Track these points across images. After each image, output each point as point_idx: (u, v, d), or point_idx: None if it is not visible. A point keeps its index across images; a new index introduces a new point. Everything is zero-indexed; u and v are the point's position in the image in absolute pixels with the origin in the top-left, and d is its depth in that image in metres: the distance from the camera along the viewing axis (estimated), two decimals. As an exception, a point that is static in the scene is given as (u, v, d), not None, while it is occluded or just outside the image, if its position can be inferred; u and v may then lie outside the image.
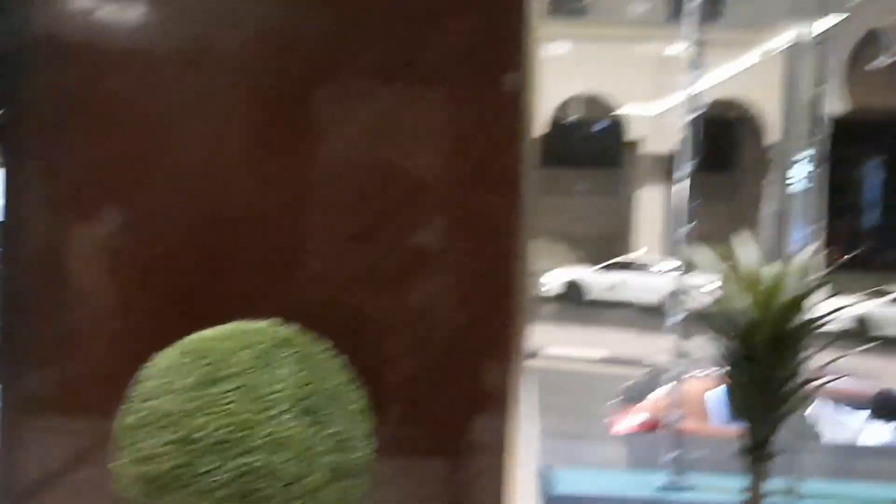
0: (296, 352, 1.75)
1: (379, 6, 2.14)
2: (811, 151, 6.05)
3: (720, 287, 2.15)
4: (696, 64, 4.77)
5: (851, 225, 30.19)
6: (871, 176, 30.04)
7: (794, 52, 5.16)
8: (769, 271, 2.01)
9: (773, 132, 23.53)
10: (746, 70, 21.24)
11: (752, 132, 26.14)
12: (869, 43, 18.51)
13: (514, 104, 2.16)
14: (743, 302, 1.97)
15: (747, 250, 2.10)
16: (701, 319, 2.26)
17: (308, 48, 2.15)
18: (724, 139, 30.07)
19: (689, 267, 4.21)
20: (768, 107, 22.99)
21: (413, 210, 2.17)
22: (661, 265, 21.17)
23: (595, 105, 26.80)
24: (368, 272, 2.18)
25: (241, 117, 2.17)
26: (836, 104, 25.09)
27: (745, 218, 27.65)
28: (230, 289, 2.13)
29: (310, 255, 2.18)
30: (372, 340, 2.16)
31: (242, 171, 2.18)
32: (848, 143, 27.70)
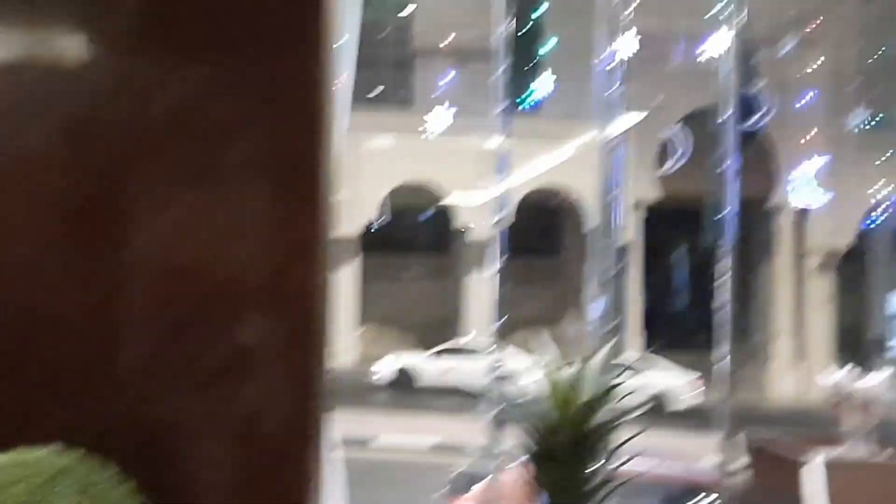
0: (75, 483, 1.64)
1: (178, 118, 2.10)
2: (622, 238, 6.25)
3: (529, 383, 2.17)
4: (511, 154, 4.90)
5: (664, 307, 31.40)
6: (683, 260, 31.38)
7: (607, 145, 5.48)
8: (568, 371, 2.04)
9: (592, 219, 24.45)
10: (568, 160, 22.05)
11: (574, 219, 27.03)
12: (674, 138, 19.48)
13: (313, 202, 2.14)
14: (544, 402, 1.99)
15: (549, 348, 2.13)
16: (512, 413, 2.27)
17: (117, 143, 2.09)
18: (548, 225, 30.99)
19: (504, 354, 4.26)
20: (587, 194, 23.90)
21: (219, 310, 2.12)
22: (488, 350, 21.43)
23: (424, 193, 27.22)
24: (172, 378, 2.10)
25: (41, 212, 2.07)
26: (649, 192, 26.35)
27: (569, 301, 28.47)
28: (8, 408, 2.00)
29: (109, 362, 2.09)
30: (175, 451, 2.08)
31: (35, 270, 2.08)
32: (661, 229, 29.04)
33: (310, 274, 2.07)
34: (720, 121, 5.40)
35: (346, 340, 27.08)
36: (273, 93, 2.06)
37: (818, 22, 23.28)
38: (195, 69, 2.09)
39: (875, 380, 3.07)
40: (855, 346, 30.94)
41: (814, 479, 2.98)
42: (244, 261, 2.07)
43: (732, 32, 5.30)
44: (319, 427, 2.15)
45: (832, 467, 2.98)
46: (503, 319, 4.41)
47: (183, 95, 2.07)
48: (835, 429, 3.30)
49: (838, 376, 3.08)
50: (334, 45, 2.20)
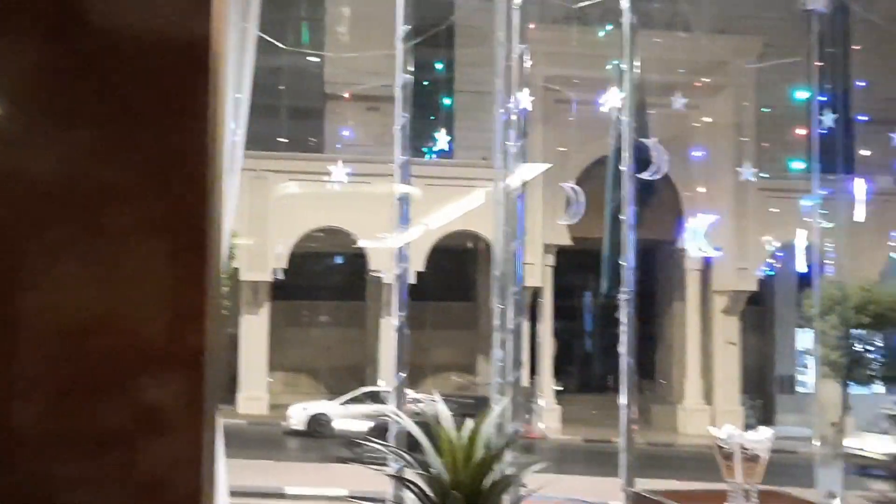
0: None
1: (69, 180, 2.09)
2: (525, 283, 6.33)
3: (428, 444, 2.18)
4: (422, 200, 4.95)
5: (574, 351, 31.71)
6: (592, 303, 31.75)
7: (510, 193, 5.58)
8: (461, 433, 2.06)
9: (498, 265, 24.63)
10: (481, 206, 22.21)
11: (488, 263, 27.16)
12: (585, 179, 19.77)
13: (204, 262, 2.14)
14: (439, 464, 2.00)
15: (442, 409, 2.15)
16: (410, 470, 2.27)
17: (6, 202, 2.07)
18: (464, 270, 31.10)
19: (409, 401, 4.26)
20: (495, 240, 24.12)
21: (111, 372, 2.10)
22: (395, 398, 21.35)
23: (337, 238, 27.13)
24: (63, 441, 2.07)
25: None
26: (558, 238, 26.68)
27: (483, 346, 28.54)
28: None
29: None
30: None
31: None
32: (571, 274, 29.38)
33: (201, 334, 2.07)
34: (619, 169, 5.52)
35: (255, 389, 26.71)
36: (163, 156, 2.07)
37: (713, 78, 24.06)
38: (87, 132, 2.09)
39: (762, 435, 3.13)
40: (761, 384, 31.58)
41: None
42: (136, 322, 2.07)
43: (629, 85, 5.44)
44: (213, 485, 2.15)
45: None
46: (406, 368, 4.44)
47: (73, 157, 2.07)
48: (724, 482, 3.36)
49: (726, 431, 3.13)
50: (224, 106, 2.22)
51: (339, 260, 31.11)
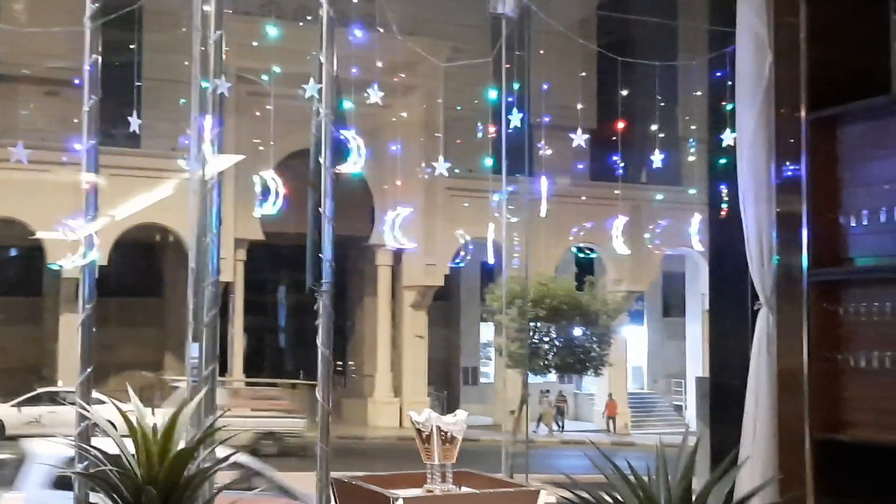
0: None
1: None
2: (221, 278, 6.18)
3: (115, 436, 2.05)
4: (106, 190, 4.68)
5: (267, 345, 31.57)
6: (286, 299, 31.72)
7: (203, 184, 5.38)
8: (158, 422, 1.96)
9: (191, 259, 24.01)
10: (170, 197, 21.53)
11: (178, 258, 26.41)
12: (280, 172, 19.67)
13: None
14: (129, 458, 1.89)
15: (137, 404, 2.03)
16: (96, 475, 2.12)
17: None
18: (152, 264, 30.06)
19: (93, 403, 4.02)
20: (187, 233, 23.49)
21: None
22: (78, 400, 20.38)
23: (11, 229, 25.45)
24: None
25: None
26: (250, 231, 26.37)
27: (172, 343, 27.72)
28: None
29: None
30: None
31: None
32: (265, 268, 29.17)
33: None
34: (316, 163, 5.49)
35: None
36: None
37: (406, 77, 24.66)
38: None
39: (457, 418, 3.24)
40: (447, 376, 32.79)
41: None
42: None
43: (327, 78, 5.44)
44: None
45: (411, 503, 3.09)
46: (90, 366, 4.21)
47: None
48: (422, 465, 3.46)
49: (424, 415, 3.22)
50: None
51: (13, 252, 29.20)
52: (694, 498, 3.69)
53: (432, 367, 30.91)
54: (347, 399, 29.61)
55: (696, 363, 30.64)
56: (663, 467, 3.72)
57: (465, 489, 3.37)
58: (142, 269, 29.72)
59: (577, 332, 26.33)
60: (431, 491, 3.18)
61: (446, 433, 3.10)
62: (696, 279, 31.39)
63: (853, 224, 4.13)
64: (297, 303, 29.22)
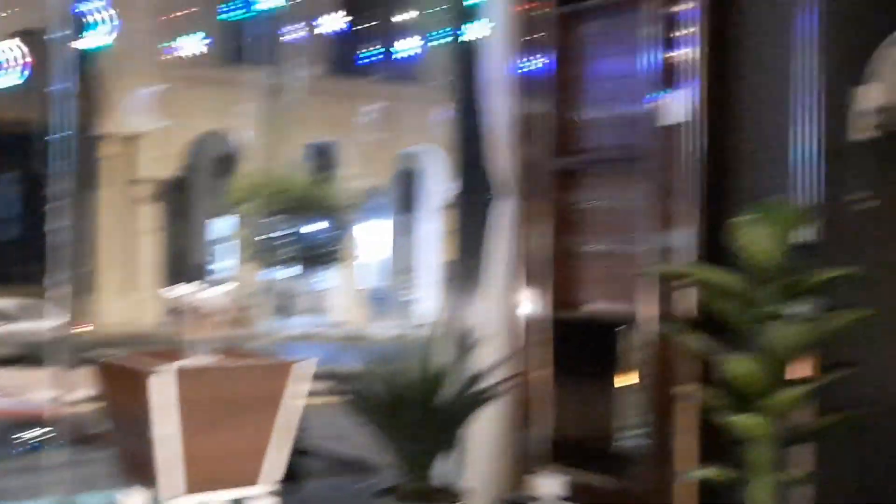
0: None
1: None
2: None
3: None
4: None
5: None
6: (6, 190, 29.89)
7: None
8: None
9: None
10: None
11: None
12: None
13: None
14: None
15: None
16: None
17: None
18: None
19: None
20: None
21: None
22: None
23: None
24: None
25: None
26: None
27: None
28: None
29: None
30: None
31: None
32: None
33: None
34: (52, 38, 5.18)
35: None
36: None
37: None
38: None
39: (215, 293, 3.29)
40: (181, 271, 32.14)
41: (162, 388, 3.10)
42: None
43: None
44: None
45: (180, 375, 3.13)
46: None
47: None
48: (180, 343, 3.48)
49: (181, 292, 3.25)
50: None
51: None
52: (434, 375, 3.92)
53: (168, 260, 30.24)
54: (80, 292, 28.52)
55: (431, 258, 31.57)
56: (408, 353, 3.92)
57: (222, 363, 3.43)
58: None
59: (315, 227, 26.40)
60: (198, 363, 3.22)
61: (201, 310, 3.12)
62: (432, 176, 32.12)
63: (588, 117, 4.41)
64: (30, 191, 27.59)
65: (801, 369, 3.33)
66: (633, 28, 4.06)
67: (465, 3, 5.23)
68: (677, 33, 3.92)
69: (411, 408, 3.85)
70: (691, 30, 3.89)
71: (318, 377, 3.85)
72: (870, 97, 3.35)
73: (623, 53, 4.18)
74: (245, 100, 15.96)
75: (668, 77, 3.94)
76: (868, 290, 3.28)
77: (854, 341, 3.31)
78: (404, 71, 24.79)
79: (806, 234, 3.42)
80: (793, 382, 3.28)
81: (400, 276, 36.52)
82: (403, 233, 35.84)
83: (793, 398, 3.25)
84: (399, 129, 27.02)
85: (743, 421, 3.26)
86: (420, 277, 33.14)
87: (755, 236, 3.24)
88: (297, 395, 3.63)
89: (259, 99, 18.89)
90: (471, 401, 4.03)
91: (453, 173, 5.45)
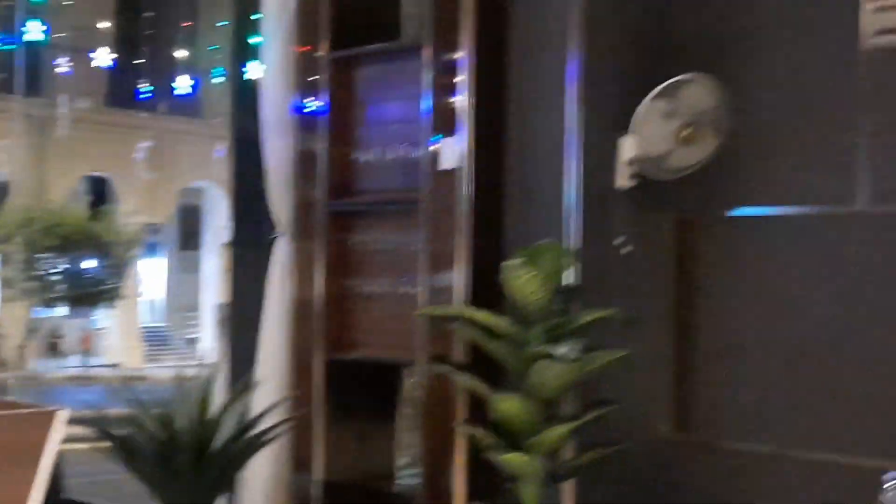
0: None
1: None
2: None
3: None
4: None
5: None
6: None
7: None
8: None
9: None
10: None
11: None
12: None
13: None
14: None
15: None
16: None
17: None
18: None
19: None
20: None
21: None
22: None
23: None
24: None
25: None
26: None
27: None
28: None
29: None
30: None
31: None
32: None
33: None
34: None
35: None
36: None
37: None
38: None
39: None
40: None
41: None
42: None
43: None
44: None
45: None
46: None
47: None
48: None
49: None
50: None
51: None
52: (210, 419, 3.82)
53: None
54: None
55: (213, 296, 30.91)
56: (184, 396, 3.81)
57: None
58: None
59: (90, 263, 25.37)
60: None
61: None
62: (215, 212, 31.54)
63: (365, 159, 4.45)
64: None
65: (566, 408, 3.45)
66: (414, 73, 4.14)
67: (245, 41, 5.18)
68: (454, 80, 4.02)
69: (185, 452, 3.74)
70: (463, 77, 3.99)
71: (87, 422, 3.68)
72: (627, 148, 3.53)
73: (404, 98, 4.25)
74: (14, 132, 15.23)
75: (446, 122, 4.03)
76: (626, 332, 3.44)
77: (614, 380, 3.45)
78: (186, 107, 24.31)
79: (570, 276, 3.56)
80: (559, 420, 3.39)
81: (181, 314, 35.52)
82: (188, 270, 34.94)
83: (559, 436, 3.36)
84: (180, 165, 26.43)
85: (512, 459, 3.34)
86: (203, 316, 32.36)
87: (523, 279, 3.34)
88: (56, 444, 3.45)
89: (30, 131, 18.06)
90: (246, 445, 3.95)
91: (231, 212, 5.36)
